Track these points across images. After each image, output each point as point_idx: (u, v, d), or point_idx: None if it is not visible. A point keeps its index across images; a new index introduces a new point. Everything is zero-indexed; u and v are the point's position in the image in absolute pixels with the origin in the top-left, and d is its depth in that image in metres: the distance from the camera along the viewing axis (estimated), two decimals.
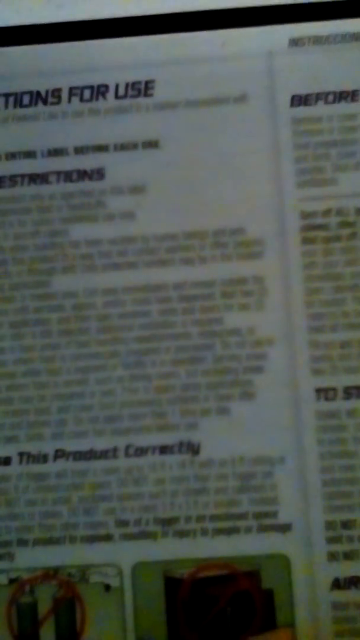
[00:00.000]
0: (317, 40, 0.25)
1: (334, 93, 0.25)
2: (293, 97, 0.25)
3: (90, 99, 0.26)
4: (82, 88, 0.26)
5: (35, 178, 0.25)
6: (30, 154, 0.26)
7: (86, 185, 0.25)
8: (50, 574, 0.24)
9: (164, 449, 0.25)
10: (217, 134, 0.25)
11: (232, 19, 0.26)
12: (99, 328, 0.25)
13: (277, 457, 0.24)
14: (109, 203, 0.25)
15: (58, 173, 0.25)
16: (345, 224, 0.25)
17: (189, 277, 0.25)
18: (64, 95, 0.26)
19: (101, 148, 0.26)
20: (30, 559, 0.25)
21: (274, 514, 0.24)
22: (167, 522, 0.24)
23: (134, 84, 0.26)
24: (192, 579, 0.24)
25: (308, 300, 0.24)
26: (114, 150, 0.26)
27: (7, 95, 0.25)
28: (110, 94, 0.26)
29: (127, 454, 0.25)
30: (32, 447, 0.25)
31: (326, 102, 0.25)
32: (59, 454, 0.25)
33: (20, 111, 0.25)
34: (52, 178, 0.25)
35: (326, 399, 0.24)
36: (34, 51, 0.26)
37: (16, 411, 0.25)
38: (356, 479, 0.24)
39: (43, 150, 0.26)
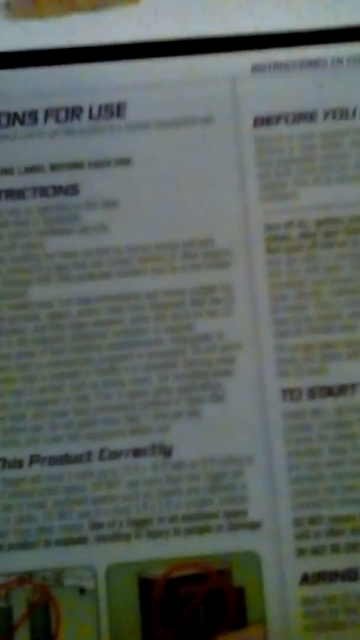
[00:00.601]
0: (278, 66, 0.28)
1: (294, 114, 0.28)
2: (256, 118, 0.28)
3: (66, 120, 0.28)
4: (58, 109, 0.28)
5: (13, 193, 0.28)
6: (7, 171, 0.28)
7: (61, 200, 0.28)
8: (25, 578, 0.26)
9: (137, 452, 0.26)
10: (186, 152, 0.28)
11: (199, 47, 0.29)
12: (73, 336, 0.27)
13: (246, 457, 0.26)
14: (84, 217, 0.28)
15: (34, 189, 0.28)
16: (306, 235, 0.27)
17: (160, 286, 0.27)
18: (41, 116, 0.28)
19: (76, 165, 0.28)
20: (6, 563, 0.26)
21: (244, 513, 0.26)
22: (141, 523, 0.26)
23: (106, 106, 0.28)
24: (166, 579, 0.26)
25: (273, 306, 0.27)
26: (88, 167, 0.28)
27: None
28: (84, 115, 0.28)
29: (101, 458, 0.26)
30: (8, 453, 0.26)
31: (287, 123, 0.28)
32: (34, 459, 0.26)
33: None
34: (29, 193, 0.28)
35: (292, 399, 0.26)
36: (11, 75, 0.28)
37: None
38: (322, 476, 0.26)
39: (20, 168, 0.28)
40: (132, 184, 0.28)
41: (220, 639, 0.25)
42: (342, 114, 0.28)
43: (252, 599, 0.26)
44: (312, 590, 0.26)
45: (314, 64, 0.28)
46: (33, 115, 0.28)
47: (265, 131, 0.28)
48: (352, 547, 0.26)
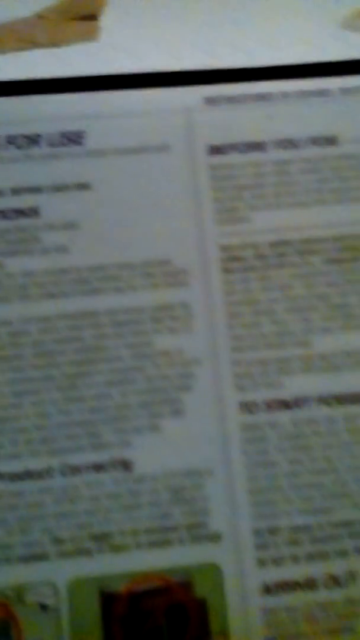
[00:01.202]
0: (230, 99, 0.31)
1: (245, 144, 0.30)
2: (209, 147, 0.30)
3: (26, 147, 0.30)
4: (18, 137, 0.30)
5: None
6: None
7: (22, 222, 0.30)
8: None
9: (98, 467, 0.28)
10: (144, 178, 0.30)
11: (155, 81, 0.32)
12: (33, 354, 0.28)
13: (206, 470, 0.28)
14: (44, 238, 0.29)
15: None
16: (260, 256, 0.30)
17: (119, 304, 0.29)
18: (1, 142, 0.30)
19: (36, 190, 0.30)
20: None
21: (205, 525, 0.27)
22: (102, 537, 0.27)
23: (65, 134, 0.31)
24: (128, 593, 0.27)
25: (230, 323, 0.29)
26: (48, 191, 0.30)
27: None
28: (44, 142, 0.31)
29: (62, 473, 0.28)
30: None
31: (239, 152, 0.30)
32: None
33: None
34: None
35: (249, 412, 0.28)
36: None
37: None
38: (280, 486, 0.28)
39: None
40: (91, 207, 0.30)
41: None
42: (290, 144, 0.30)
43: (215, 611, 0.27)
44: (273, 601, 0.27)
45: (262, 97, 0.31)
46: None
47: (218, 159, 0.30)
48: (311, 557, 0.27)
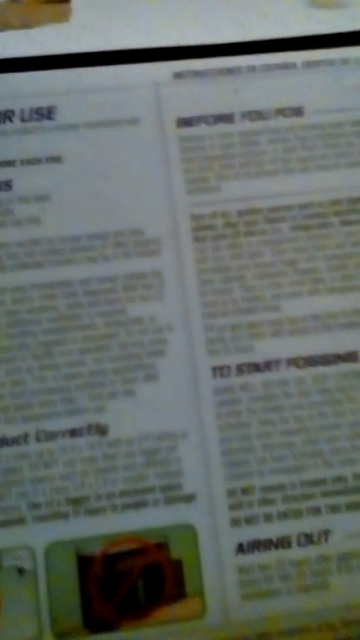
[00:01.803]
0: (197, 73, 0.30)
1: (213, 116, 0.30)
2: (178, 120, 0.30)
3: None
4: None
5: None
6: None
7: None
8: None
9: (73, 432, 0.27)
10: (114, 150, 0.30)
11: (124, 57, 0.31)
12: (8, 323, 0.28)
13: (180, 432, 0.27)
14: (16, 210, 0.29)
15: None
16: (229, 225, 0.29)
17: (93, 273, 0.28)
18: None
19: (9, 163, 0.29)
20: None
21: (179, 486, 0.27)
22: (78, 501, 0.26)
23: (37, 109, 0.30)
24: (104, 556, 0.26)
25: (201, 290, 0.28)
26: (21, 165, 0.29)
27: None
28: (16, 118, 0.30)
29: (37, 439, 0.27)
30: None
31: (207, 124, 0.30)
32: None
33: None
34: None
35: (221, 376, 0.28)
36: None
37: None
38: (252, 447, 0.27)
39: None
40: (63, 179, 0.29)
41: (160, 612, 0.26)
42: (257, 115, 0.30)
43: (190, 571, 0.26)
44: (247, 559, 0.26)
45: (229, 71, 0.31)
46: None
47: (187, 131, 0.30)
48: (284, 515, 0.27)
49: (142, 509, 0.27)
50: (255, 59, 0.31)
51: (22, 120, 0.30)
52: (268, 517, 0.27)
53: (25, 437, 0.27)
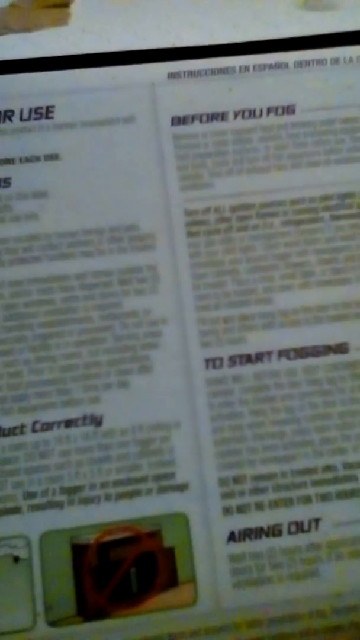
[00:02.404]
0: (192, 73, 0.30)
1: (207, 114, 0.30)
2: (173, 118, 0.30)
3: None
4: None
5: None
6: None
7: None
8: None
9: (68, 423, 0.27)
10: (110, 148, 0.29)
11: (121, 59, 0.31)
12: (6, 316, 0.27)
13: (173, 423, 0.27)
14: (15, 207, 0.29)
15: None
16: (222, 220, 0.29)
17: (89, 268, 0.28)
18: None
19: (8, 161, 0.29)
20: None
21: (172, 475, 0.26)
22: (73, 490, 0.26)
23: (36, 109, 0.30)
24: (98, 544, 0.26)
25: (195, 284, 0.28)
26: (19, 162, 0.29)
27: None
28: (16, 117, 0.30)
29: (33, 430, 0.26)
30: None
31: (201, 122, 0.30)
32: None
33: None
34: None
35: (214, 367, 0.27)
36: None
37: None
38: (244, 437, 0.27)
39: None
40: (60, 176, 0.29)
41: (152, 600, 0.25)
42: (250, 113, 0.30)
43: (182, 559, 0.26)
44: (238, 547, 0.26)
45: (223, 71, 0.30)
46: None
47: (182, 129, 0.30)
48: (275, 504, 0.26)
49: (135, 498, 0.26)
50: (249, 59, 0.30)
51: (22, 119, 0.30)
52: (259, 506, 0.26)
53: (21, 428, 0.27)
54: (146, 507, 0.26)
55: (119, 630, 0.25)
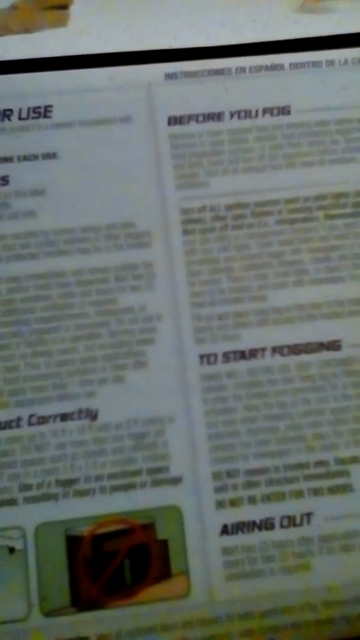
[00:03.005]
0: (188, 74, 0.30)
1: (203, 114, 0.30)
2: (169, 118, 0.30)
3: None
4: None
5: None
6: None
7: None
8: None
9: (64, 417, 0.26)
10: (107, 147, 0.29)
11: (119, 59, 0.31)
12: (3, 311, 0.27)
13: (168, 417, 0.27)
14: (13, 204, 0.28)
15: None
16: (217, 218, 0.29)
17: (85, 264, 0.28)
18: None
19: (6, 159, 0.29)
20: None
21: (166, 469, 0.26)
22: (68, 483, 0.26)
23: (34, 108, 0.30)
24: (92, 536, 0.25)
25: (190, 281, 0.28)
26: (18, 161, 0.29)
27: None
28: (15, 116, 0.30)
29: (30, 423, 0.26)
30: None
31: (197, 122, 0.29)
32: None
33: None
34: None
35: (208, 363, 0.27)
36: None
37: None
38: (237, 432, 0.26)
39: None
40: (58, 175, 0.29)
41: (146, 592, 0.25)
42: (246, 114, 0.30)
43: (175, 552, 0.26)
44: (231, 540, 0.26)
45: (219, 72, 0.30)
46: None
47: (178, 129, 0.29)
48: (267, 498, 0.26)
49: (129, 491, 0.26)
50: (245, 60, 0.30)
51: (20, 118, 0.30)
52: (252, 500, 0.26)
53: (17, 421, 0.26)
54: (140, 500, 0.26)
55: (112, 621, 0.25)
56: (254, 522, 0.26)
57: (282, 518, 0.26)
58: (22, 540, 0.25)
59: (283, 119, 0.30)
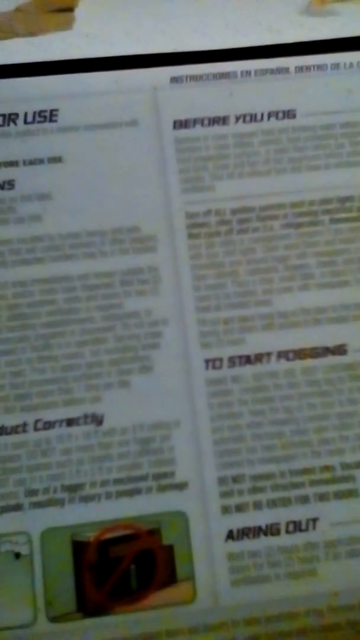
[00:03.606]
0: (193, 78, 0.30)
1: (208, 118, 0.29)
2: (175, 122, 0.29)
3: (3, 125, 0.29)
4: None
5: None
6: None
7: None
8: None
9: (70, 422, 0.26)
10: (113, 151, 0.29)
11: (125, 63, 0.30)
12: (9, 316, 0.27)
13: (173, 422, 0.26)
14: (19, 208, 0.28)
15: None
16: (222, 222, 0.28)
17: (91, 269, 0.27)
18: None
19: (12, 164, 0.29)
20: None
21: (172, 474, 0.26)
22: (74, 488, 0.25)
23: (40, 112, 0.29)
24: (98, 541, 0.25)
25: (195, 285, 0.27)
26: (23, 165, 0.28)
27: None
28: (20, 120, 0.29)
29: (35, 428, 0.26)
30: None
31: (202, 125, 0.29)
32: None
33: None
34: None
35: (214, 368, 0.27)
36: None
37: None
38: (242, 437, 0.26)
39: None
40: (63, 179, 0.28)
41: (151, 597, 0.25)
42: (251, 117, 0.29)
43: (181, 557, 0.25)
44: (237, 546, 0.25)
45: (225, 76, 0.30)
46: None
47: (183, 133, 0.29)
48: (273, 503, 0.26)
49: (135, 496, 0.26)
50: (250, 64, 0.30)
51: (26, 122, 0.29)
52: (258, 505, 0.26)
53: (23, 426, 0.26)
54: (146, 506, 0.25)
55: (118, 627, 0.24)
56: (259, 528, 0.25)
57: (287, 523, 0.25)
58: (28, 546, 0.25)
59: (288, 123, 0.29)
